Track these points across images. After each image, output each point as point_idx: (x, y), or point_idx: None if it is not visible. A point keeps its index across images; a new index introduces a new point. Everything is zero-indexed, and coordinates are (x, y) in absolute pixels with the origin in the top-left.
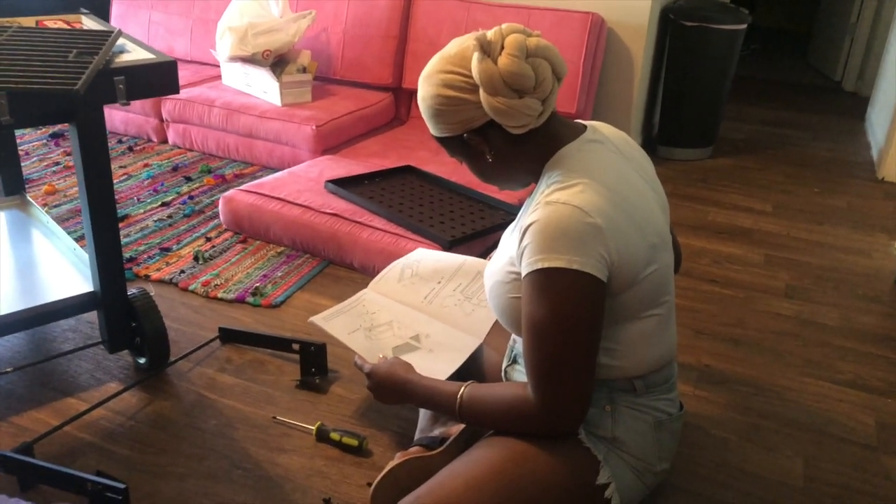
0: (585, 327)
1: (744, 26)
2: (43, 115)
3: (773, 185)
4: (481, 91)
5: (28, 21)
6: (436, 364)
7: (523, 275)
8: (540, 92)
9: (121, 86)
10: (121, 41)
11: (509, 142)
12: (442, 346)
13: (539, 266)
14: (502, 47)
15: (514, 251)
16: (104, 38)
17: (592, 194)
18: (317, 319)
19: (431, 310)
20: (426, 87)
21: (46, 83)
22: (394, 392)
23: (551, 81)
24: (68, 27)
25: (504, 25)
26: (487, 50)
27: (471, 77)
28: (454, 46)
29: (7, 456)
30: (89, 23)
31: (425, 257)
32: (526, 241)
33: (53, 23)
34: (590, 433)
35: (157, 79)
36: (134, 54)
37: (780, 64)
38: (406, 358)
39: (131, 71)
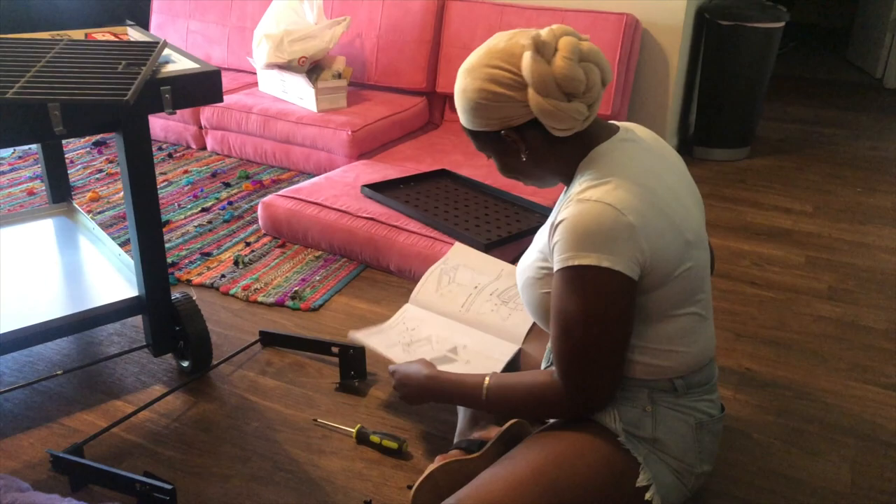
0: (613, 324)
1: (781, 24)
2: (91, 124)
3: (813, 185)
4: (530, 90)
5: (77, 34)
6: (476, 370)
7: (555, 270)
8: (588, 97)
9: (167, 95)
10: (166, 52)
11: (547, 142)
12: (479, 355)
13: (570, 263)
14: (556, 49)
15: (545, 246)
16: (150, 49)
17: (625, 192)
18: (358, 335)
19: (469, 317)
20: (468, 80)
21: (98, 94)
22: (419, 388)
23: (600, 87)
24: (116, 39)
25: (556, 26)
26: (542, 50)
27: (519, 75)
28: (501, 41)
29: (59, 456)
30: (135, 34)
31: (462, 261)
32: (557, 237)
33: (102, 35)
34: (630, 434)
35: (202, 88)
36: (179, 64)
37: (818, 61)
38: (445, 367)
39: (177, 81)
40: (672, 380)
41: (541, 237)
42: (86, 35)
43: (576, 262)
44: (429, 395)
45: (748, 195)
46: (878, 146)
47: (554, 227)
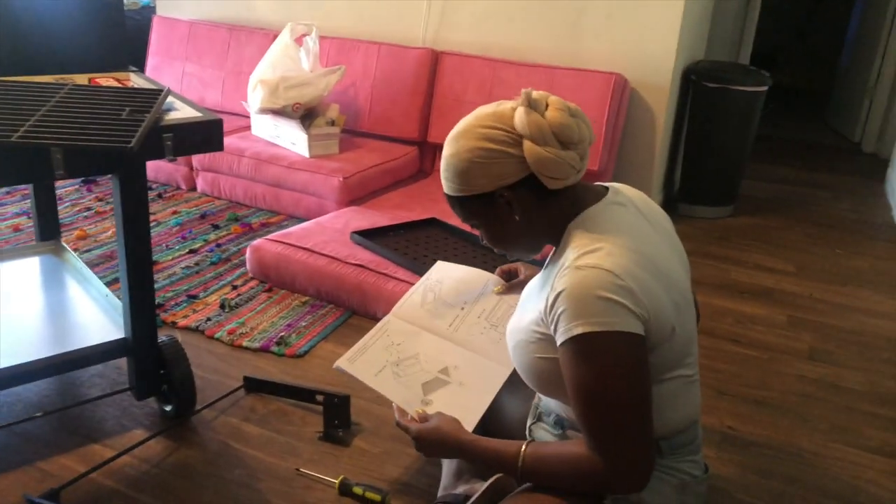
0: (636, 384)
1: (764, 88)
2: (90, 167)
3: (795, 245)
4: (526, 143)
5: (81, 78)
6: (469, 400)
7: (560, 341)
8: (581, 147)
9: (169, 142)
10: (168, 99)
11: (539, 200)
12: (472, 377)
13: (578, 332)
14: (547, 104)
15: (541, 313)
16: (155, 97)
17: (620, 257)
18: (342, 364)
19: (458, 338)
20: (461, 142)
21: (102, 141)
22: (444, 451)
23: (589, 141)
24: (120, 85)
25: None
26: (534, 105)
27: (513, 131)
28: (488, 108)
29: (34, 501)
30: (138, 80)
31: (446, 276)
32: (559, 308)
33: (105, 80)
34: (614, 496)
35: (204, 136)
36: (181, 112)
37: (799, 124)
38: (437, 394)
39: (180, 128)
40: (657, 441)
41: (534, 301)
42: (89, 80)
43: (584, 330)
44: (457, 456)
45: (731, 253)
46: (857, 208)
47: (554, 298)
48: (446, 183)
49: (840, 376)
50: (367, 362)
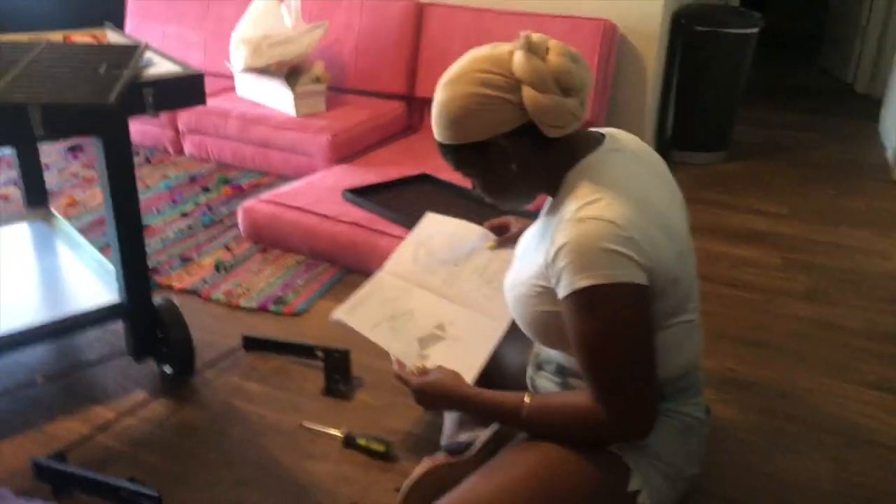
0: (639, 335)
1: (755, 30)
2: (71, 127)
3: (788, 188)
4: (526, 89)
5: (56, 36)
6: (466, 355)
7: (563, 295)
8: (582, 95)
9: (150, 98)
10: (147, 54)
11: (536, 149)
12: (468, 333)
13: (582, 285)
14: (547, 48)
15: (541, 267)
16: (132, 52)
17: (622, 207)
18: (339, 314)
19: (452, 294)
20: (454, 88)
21: (79, 97)
22: (445, 404)
23: (589, 88)
24: (96, 42)
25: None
26: (534, 49)
27: (511, 76)
28: (483, 50)
29: (42, 463)
30: (115, 37)
31: (437, 230)
32: (562, 261)
33: (81, 38)
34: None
35: (185, 90)
36: (160, 67)
37: (791, 67)
38: (433, 349)
39: (160, 83)
40: (661, 385)
41: (534, 255)
42: (64, 38)
43: (588, 283)
44: (459, 409)
45: (725, 198)
46: (851, 149)
47: (556, 251)
48: (438, 130)
49: (836, 315)
50: (364, 315)
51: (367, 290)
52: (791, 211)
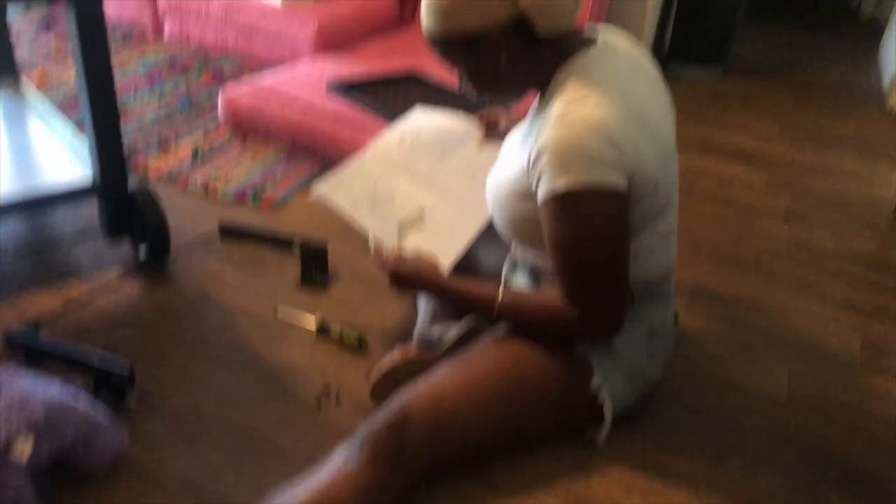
0: (615, 240)
1: None
2: None
3: (781, 109)
4: None
5: None
6: (445, 241)
7: (543, 196)
8: None
9: None
10: None
11: (527, 46)
12: (448, 221)
13: (560, 187)
14: None
15: (523, 166)
16: None
17: (608, 107)
18: (321, 189)
19: (435, 183)
20: None
21: None
22: (420, 287)
23: None
24: None
25: None
26: None
27: None
28: None
29: (15, 338)
30: None
31: (426, 122)
32: (542, 161)
33: None
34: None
35: None
36: None
37: None
38: (413, 233)
39: None
40: (632, 288)
41: (518, 154)
42: None
43: (566, 187)
44: (433, 295)
45: (717, 114)
46: (849, 74)
47: (538, 152)
48: (427, 22)
49: (813, 236)
50: (345, 193)
51: (351, 169)
52: (781, 131)
